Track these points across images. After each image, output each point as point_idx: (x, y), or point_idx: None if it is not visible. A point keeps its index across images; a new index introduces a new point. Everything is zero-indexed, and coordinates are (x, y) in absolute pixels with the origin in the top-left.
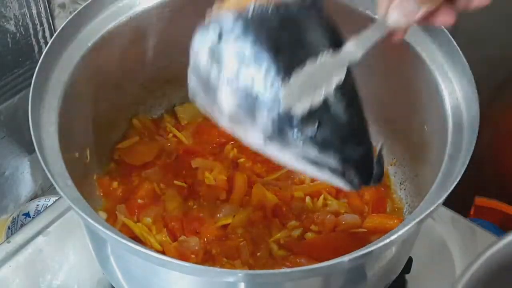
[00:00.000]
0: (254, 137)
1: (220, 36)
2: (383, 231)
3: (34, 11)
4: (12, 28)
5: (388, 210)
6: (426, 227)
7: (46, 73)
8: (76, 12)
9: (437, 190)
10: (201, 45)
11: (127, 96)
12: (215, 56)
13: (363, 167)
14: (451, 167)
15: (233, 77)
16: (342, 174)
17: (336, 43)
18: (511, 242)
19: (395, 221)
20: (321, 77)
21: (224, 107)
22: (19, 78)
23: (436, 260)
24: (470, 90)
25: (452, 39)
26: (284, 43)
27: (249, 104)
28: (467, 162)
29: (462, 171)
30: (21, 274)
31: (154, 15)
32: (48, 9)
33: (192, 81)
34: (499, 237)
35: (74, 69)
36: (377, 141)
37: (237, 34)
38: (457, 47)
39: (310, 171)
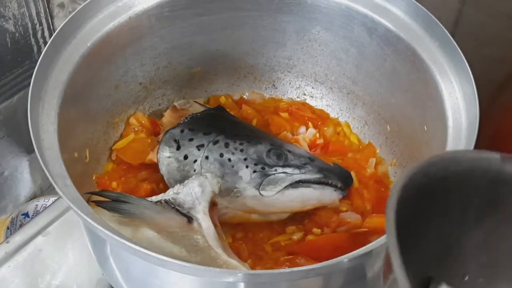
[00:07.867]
0: (249, 194)
1: (177, 141)
2: (383, 231)
3: (33, 11)
4: (11, 27)
5: None
6: None
7: (45, 73)
8: (75, 11)
9: None
10: (167, 156)
11: (127, 96)
12: (181, 156)
13: (340, 172)
14: None
15: (205, 159)
16: (327, 183)
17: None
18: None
19: None
20: None
21: (214, 187)
22: (18, 78)
23: None
24: (470, 90)
25: (452, 39)
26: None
27: (229, 167)
28: None
29: None
30: (20, 274)
31: (154, 15)
32: (47, 8)
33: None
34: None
35: (73, 69)
36: (378, 141)
37: (186, 134)
38: (458, 47)
39: (307, 194)
